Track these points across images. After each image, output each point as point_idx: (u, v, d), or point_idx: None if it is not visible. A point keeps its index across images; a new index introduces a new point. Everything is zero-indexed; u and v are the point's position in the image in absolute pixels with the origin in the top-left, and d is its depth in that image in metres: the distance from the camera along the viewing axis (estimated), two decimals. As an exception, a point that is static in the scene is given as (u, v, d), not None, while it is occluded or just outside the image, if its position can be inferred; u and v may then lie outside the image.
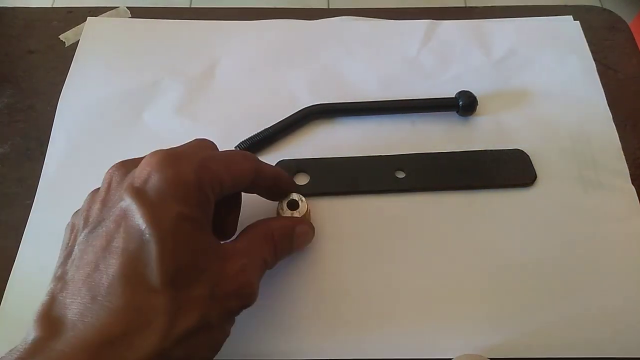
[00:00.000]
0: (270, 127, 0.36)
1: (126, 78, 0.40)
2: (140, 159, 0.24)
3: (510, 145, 0.36)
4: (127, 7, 0.45)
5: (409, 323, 0.30)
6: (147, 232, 0.21)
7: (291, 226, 0.28)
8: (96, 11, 0.44)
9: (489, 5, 0.46)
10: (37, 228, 0.33)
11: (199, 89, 0.40)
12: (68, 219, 0.33)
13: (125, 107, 0.38)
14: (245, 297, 0.24)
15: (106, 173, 0.25)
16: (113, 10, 0.44)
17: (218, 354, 0.27)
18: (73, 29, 0.43)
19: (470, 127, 0.38)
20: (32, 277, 0.31)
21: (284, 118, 0.37)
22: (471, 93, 0.37)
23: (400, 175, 0.35)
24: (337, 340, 0.29)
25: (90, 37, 0.42)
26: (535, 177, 0.35)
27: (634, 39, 0.44)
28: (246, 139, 0.36)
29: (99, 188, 0.25)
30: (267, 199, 0.30)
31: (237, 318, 0.24)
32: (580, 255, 0.32)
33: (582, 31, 0.43)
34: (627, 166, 0.36)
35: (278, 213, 0.32)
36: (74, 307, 0.20)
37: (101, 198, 0.23)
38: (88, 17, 0.44)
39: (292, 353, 0.29)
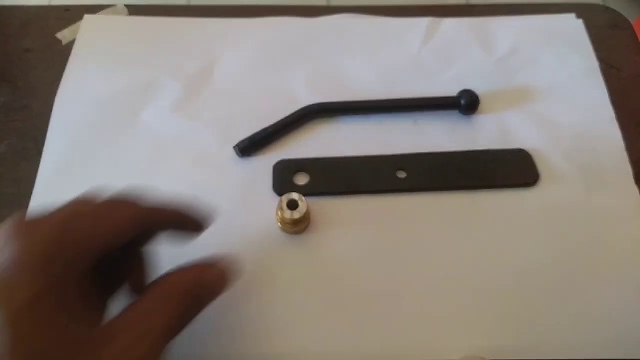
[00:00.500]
0: (269, 126, 0.36)
1: (124, 77, 0.40)
2: None
3: (512, 144, 0.36)
4: (124, 5, 0.44)
5: (410, 324, 0.29)
6: None
7: (200, 276, 0.23)
8: (93, 9, 0.44)
9: (491, 3, 0.45)
10: (34, 229, 0.33)
11: (197, 88, 0.39)
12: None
13: (122, 106, 0.38)
14: None
15: None
16: (110, 8, 0.44)
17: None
18: (70, 27, 0.43)
19: (472, 126, 0.37)
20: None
21: (283, 117, 0.37)
22: (473, 92, 0.37)
23: (402, 175, 0.35)
24: (337, 342, 0.29)
25: (88, 36, 0.42)
26: (538, 177, 0.34)
27: (637, 38, 0.43)
28: (245, 139, 0.35)
29: None
30: (180, 241, 0.25)
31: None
32: (584, 256, 0.32)
33: (585, 29, 0.43)
34: (630, 166, 0.35)
35: (277, 214, 0.31)
36: None
37: None
38: (85, 15, 0.43)
39: (291, 354, 0.29)
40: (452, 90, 0.38)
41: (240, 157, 0.35)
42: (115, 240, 0.21)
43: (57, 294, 0.19)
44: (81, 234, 0.20)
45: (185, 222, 0.25)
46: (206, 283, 0.23)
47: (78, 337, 0.19)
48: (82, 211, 0.21)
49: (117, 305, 0.23)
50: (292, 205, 0.31)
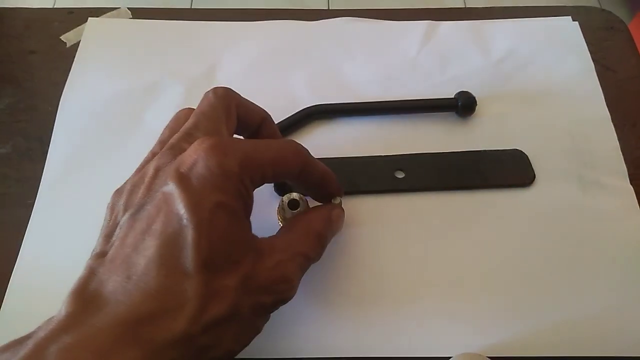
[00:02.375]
0: (270, 127, 0.37)
1: (127, 79, 0.40)
2: (187, 144, 0.24)
3: (509, 145, 0.37)
4: (128, 8, 0.45)
5: (408, 322, 0.30)
6: (185, 217, 0.21)
7: (328, 215, 0.29)
8: (97, 12, 0.44)
9: (488, 6, 0.46)
10: (39, 228, 0.33)
11: (199, 90, 0.39)
12: (70, 219, 0.34)
13: (126, 108, 0.39)
14: (279, 293, 0.24)
15: (154, 157, 0.25)
16: (114, 11, 0.45)
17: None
18: (74, 29, 0.43)
19: (469, 128, 0.38)
20: (33, 277, 0.31)
21: (284, 118, 0.37)
22: (470, 94, 0.38)
23: (400, 175, 0.35)
24: (336, 339, 0.29)
25: (91, 38, 0.43)
26: (534, 177, 0.35)
27: (633, 40, 0.44)
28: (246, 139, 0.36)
29: (144, 167, 0.25)
30: (311, 197, 0.30)
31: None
32: (579, 255, 0.32)
33: (581, 32, 0.43)
34: (625, 166, 0.36)
35: (278, 212, 0.32)
36: (109, 285, 0.20)
37: (147, 181, 0.23)
38: (89, 18, 0.44)
39: (292, 351, 0.29)
40: (449, 92, 0.38)
41: (241, 157, 0.36)
42: (281, 177, 0.26)
43: (234, 209, 0.22)
44: (260, 166, 0.24)
45: (327, 185, 0.29)
46: (334, 219, 0.28)
47: (246, 244, 0.23)
48: (266, 146, 0.25)
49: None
50: (293, 205, 0.31)
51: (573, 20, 0.44)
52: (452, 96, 0.38)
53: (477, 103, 0.38)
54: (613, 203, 0.34)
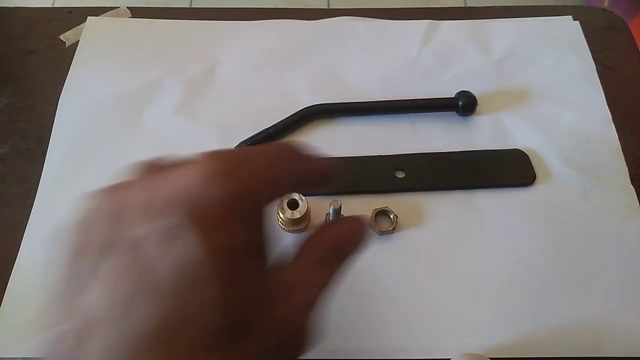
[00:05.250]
0: (270, 127, 0.36)
1: (126, 78, 0.40)
2: (177, 162, 0.19)
3: (509, 144, 0.36)
4: (127, 7, 0.45)
5: (408, 323, 0.30)
6: (202, 267, 0.15)
7: (348, 234, 0.22)
8: (96, 11, 0.44)
9: (489, 5, 0.46)
10: (38, 228, 0.33)
11: (199, 89, 0.40)
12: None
13: (125, 107, 0.38)
14: (295, 347, 0.18)
15: (130, 175, 0.19)
16: (113, 10, 0.44)
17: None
18: (73, 29, 0.43)
19: (470, 127, 0.38)
20: (33, 277, 0.31)
21: (284, 118, 0.37)
22: (471, 93, 0.37)
23: (400, 175, 0.35)
24: (336, 341, 0.29)
25: (91, 37, 0.42)
26: (535, 177, 0.35)
27: (634, 40, 0.44)
28: (247, 139, 0.36)
29: (109, 190, 0.18)
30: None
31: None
32: (580, 255, 0.32)
33: (581, 31, 0.43)
34: (626, 166, 0.36)
35: (277, 212, 0.32)
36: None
37: (133, 212, 0.17)
38: (88, 17, 0.44)
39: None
40: (450, 92, 0.38)
41: (241, 157, 0.36)
42: (284, 192, 0.20)
43: (257, 245, 0.18)
44: (272, 183, 0.18)
45: (325, 179, 0.22)
46: (353, 243, 0.21)
47: (264, 292, 0.18)
48: (270, 159, 0.19)
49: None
50: (293, 205, 0.31)
51: (574, 19, 0.44)
52: (453, 96, 0.38)
53: (478, 102, 0.37)
54: (614, 203, 0.34)
